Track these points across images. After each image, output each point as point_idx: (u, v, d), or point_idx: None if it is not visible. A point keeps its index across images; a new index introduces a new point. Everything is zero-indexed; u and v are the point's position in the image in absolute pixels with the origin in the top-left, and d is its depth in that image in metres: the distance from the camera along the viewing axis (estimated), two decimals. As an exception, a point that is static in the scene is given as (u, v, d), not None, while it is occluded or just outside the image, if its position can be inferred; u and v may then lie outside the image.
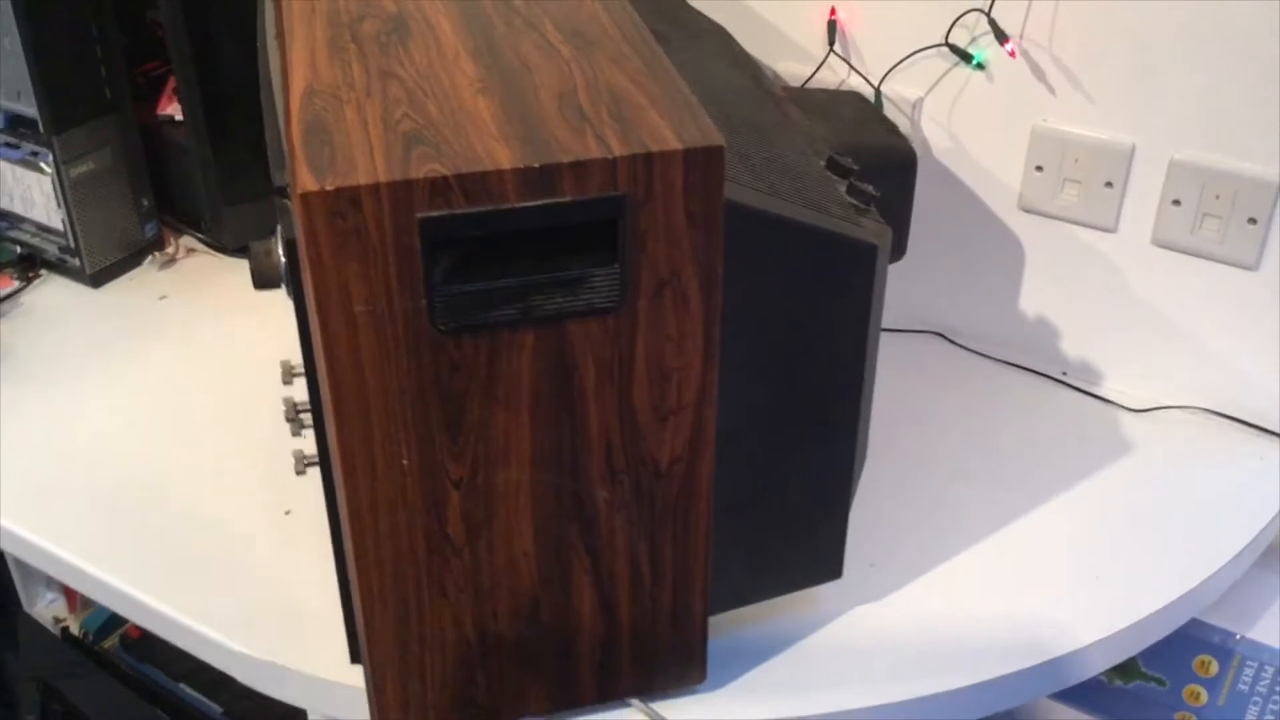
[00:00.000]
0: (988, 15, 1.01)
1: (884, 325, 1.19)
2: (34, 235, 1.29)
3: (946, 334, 1.18)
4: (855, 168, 0.82)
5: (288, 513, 0.99)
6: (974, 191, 1.11)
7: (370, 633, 0.75)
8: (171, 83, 1.27)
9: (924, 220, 1.14)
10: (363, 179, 0.61)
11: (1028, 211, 1.09)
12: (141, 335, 1.21)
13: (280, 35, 0.76)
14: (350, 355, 0.65)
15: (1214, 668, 1.02)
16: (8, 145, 1.24)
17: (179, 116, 1.26)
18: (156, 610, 0.93)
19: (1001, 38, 1.01)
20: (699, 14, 1.05)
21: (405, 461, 0.69)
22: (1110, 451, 1.05)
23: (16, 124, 1.23)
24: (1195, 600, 0.93)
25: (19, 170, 1.25)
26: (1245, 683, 1.01)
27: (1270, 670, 1.00)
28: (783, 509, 0.82)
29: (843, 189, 0.80)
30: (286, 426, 0.83)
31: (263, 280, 0.69)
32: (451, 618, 0.75)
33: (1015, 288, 1.14)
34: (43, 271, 1.30)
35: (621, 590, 0.77)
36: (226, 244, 1.30)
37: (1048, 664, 0.87)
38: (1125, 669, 1.05)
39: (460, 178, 0.62)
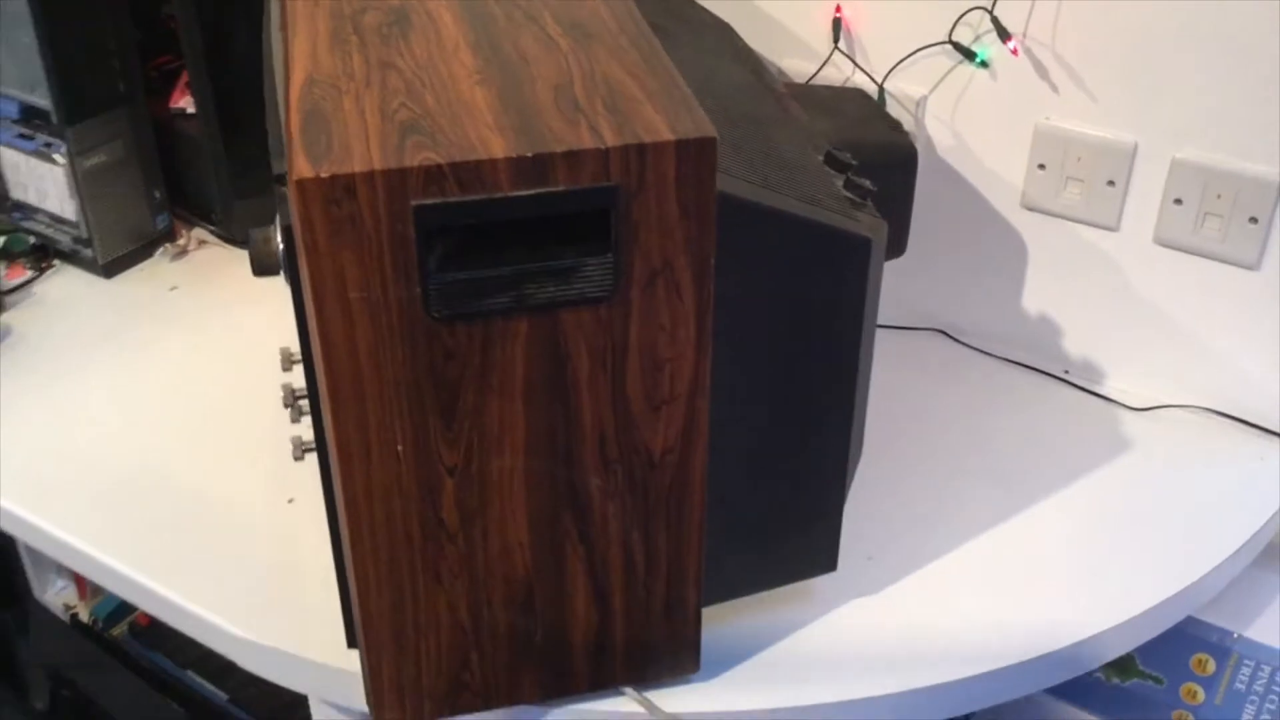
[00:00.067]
0: (990, 13, 1.01)
1: (887, 322, 1.21)
2: (48, 226, 1.30)
3: (949, 331, 1.19)
4: (853, 162, 0.82)
5: (291, 501, 1.00)
6: (977, 189, 1.12)
7: (366, 618, 0.76)
8: (184, 76, 1.28)
9: (928, 217, 1.15)
10: (358, 166, 0.62)
11: (1030, 210, 1.10)
12: (152, 325, 1.22)
13: (284, 27, 0.77)
14: (346, 342, 0.66)
15: (1211, 666, 1.02)
16: (22, 137, 1.26)
17: (191, 110, 1.27)
18: (160, 595, 0.94)
19: (1004, 36, 1.01)
20: (703, 10, 1.05)
21: (400, 448, 0.70)
22: (1110, 450, 1.05)
23: (31, 116, 1.24)
24: (1191, 598, 0.94)
25: (33, 161, 1.26)
26: (1242, 681, 1.01)
27: (1267, 669, 1.00)
28: (777, 501, 0.83)
29: (840, 183, 0.81)
30: (299, 422, 0.84)
31: (262, 267, 0.70)
32: (446, 604, 0.76)
33: (1018, 286, 1.14)
34: (56, 262, 1.32)
35: (615, 579, 0.78)
36: (237, 236, 1.32)
37: (1042, 658, 0.88)
38: (1123, 667, 1.05)
39: (454, 166, 0.62)
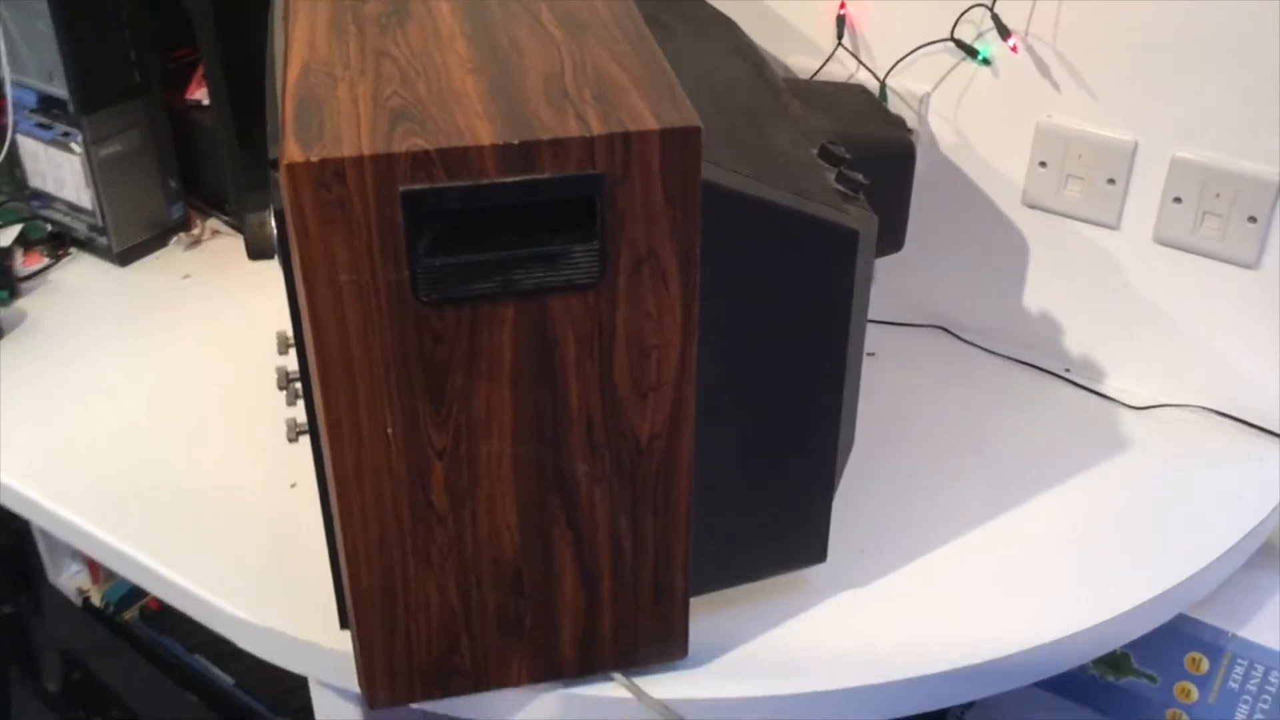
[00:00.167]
0: (991, 11, 1.02)
1: (889, 318, 1.21)
2: (65, 214, 1.32)
3: (951, 329, 1.19)
4: (847, 156, 0.83)
5: (294, 485, 1.02)
6: (979, 186, 1.12)
7: (356, 598, 0.77)
8: (201, 68, 1.30)
9: (930, 214, 1.15)
10: (347, 151, 0.63)
11: (1032, 207, 1.10)
12: (164, 313, 1.24)
13: (286, 17, 0.78)
14: (336, 324, 0.67)
15: (1205, 665, 1.02)
16: (40, 126, 1.28)
17: (207, 101, 1.29)
18: (164, 576, 0.95)
19: (1004, 33, 1.02)
20: (709, 6, 1.06)
21: (390, 430, 0.71)
22: (1108, 448, 1.06)
23: (49, 105, 1.26)
24: (1183, 595, 0.94)
25: (51, 150, 1.28)
26: (1236, 680, 1.01)
27: (1261, 669, 1.00)
28: (765, 491, 0.84)
29: (832, 177, 0.81)
30: (295, 404, 0.86)
31: (257, 251, 0.71)
32: (436, 585, 0.77)
33: (1020, 283, 1.14)
34: (72, 250, 1.34)
35: (603, 563, 0.79)
36: (249, 226, 1.33)
37: (1031, 652, 0.88)
38: (1118, 665, 1.06)
39: (441, 152, 0.64)
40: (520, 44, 0.74)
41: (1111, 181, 1.04)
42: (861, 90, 1.06)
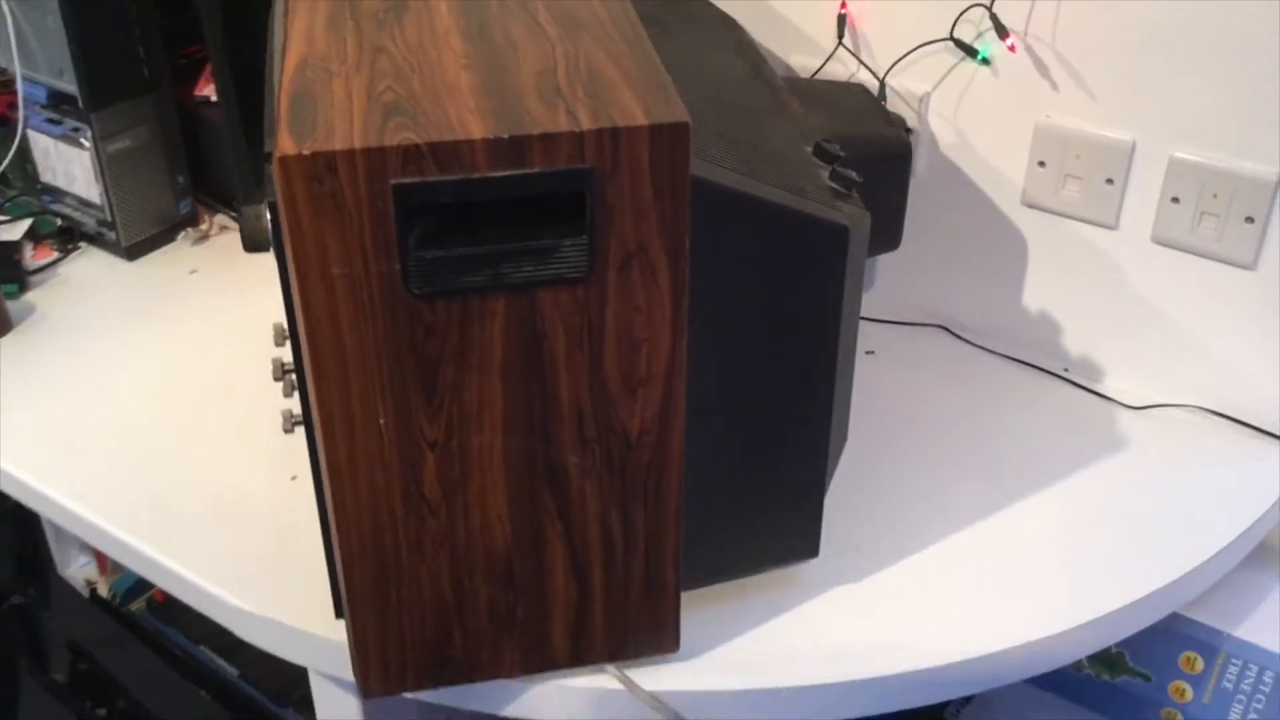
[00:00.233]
0: (990, 10, 1.02)
1: (890, 317, 1.22)
2: (74, 208, 1.34)
3: (952, 328, 1.20)
4: (841, 154, 0.84)
5: (294, 478, 1.03)
6: (979, 186, 1.12)
7: (350, 588, 0.78)
8: (210, 64, 1.31)
9: (931, 213, 1.16)
10: (339, 145, 0.64)
11: (1031, 207, 1.10)
12: (170, 307, 1.25)
13: (286, 14, 0.79)
14: (328, 316, 0.68)
15: (1199, 664, 1.02)
16: (50, 121, 1.29)
17: (216, 97, 1.30)
18: (166, 566, 0.96)
19: (1002, 33, 1.02)
20: (710, 6, 1.07)
21: (382, 421, 0.72)
22: (1105, 448, 1.06)
23: (59, 101, 1.28)
24: (1177, 594, 0.94)
25: (61, 145, 1.30)
26: (1230, 680, 1.01)
27: (1255, 669, 1.00)
28: (757, 486, 0.84)
29: (825, 174, 0.82)
30: (292, 395, 0.87)
31: (252, 243, 0.73)
32: (428, 576, 0.78)
33: (1019, 283, 1.15)
34: (81, 244, 1.35)
35: (594, 556, 0.79)
36: (256, 222, 1.35)
37: (1023, 648, 0.88)
38: (1113, 664, 1.06)
39: (432, 146, 0.64)
40: (516, 41, 0.74)
41: (1110, 181, 1.04)
42: (861, 89, 1.07)
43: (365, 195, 0.65)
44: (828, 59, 1.13)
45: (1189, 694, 1.03)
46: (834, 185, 0.81)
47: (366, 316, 0.68)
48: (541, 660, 0.83)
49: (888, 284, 1.22)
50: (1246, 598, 1.03)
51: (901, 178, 0.98)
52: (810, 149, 0.85)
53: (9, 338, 1.20)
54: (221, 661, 1.35)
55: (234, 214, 1.38)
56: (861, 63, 1.12)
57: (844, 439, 0.91)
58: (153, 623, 1.44)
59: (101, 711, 1.45)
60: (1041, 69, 1.04)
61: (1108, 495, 1.01)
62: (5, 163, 1.32)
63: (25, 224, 1.33)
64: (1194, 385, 1.08)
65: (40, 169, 1.35)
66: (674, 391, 0.74)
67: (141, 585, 1.47)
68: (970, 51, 1.06)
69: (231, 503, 1.01)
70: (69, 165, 1.31)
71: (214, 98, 1.32)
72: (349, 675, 0.85)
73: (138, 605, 1.46)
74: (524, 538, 0.78)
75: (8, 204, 1.38)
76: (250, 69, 1.25)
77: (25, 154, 1.34)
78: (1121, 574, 0.93)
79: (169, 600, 1.42)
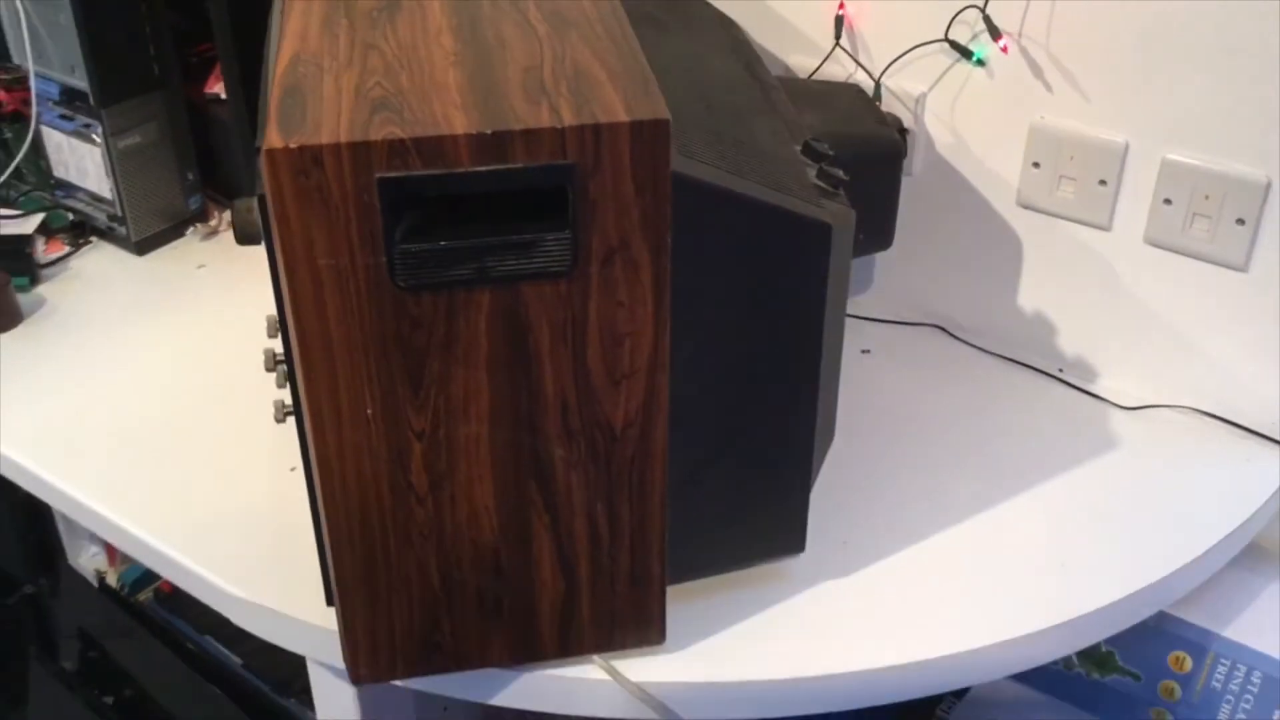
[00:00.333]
0: (983, 11, 1.03)
1: (887, 317, 1.22)
2: (86, 203, 1.36)
3: (948, 328, 1.20)
4: (829, 153, 0.85)
5: (293, 469, 1.04)
6: (975, 186, 1.13)
7: (340, 576, 0.79)
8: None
9: (927, 213, 1.16)
10: (325, 139, 0.65)
11: (1026, 208, 1.11)
12: (179, 301, 1.27)
13: (283, 12, 0.81)
14: (315, 307, 0.69)
15: (1188, 664, 1.02)
16: (63, 117, 1.31)
17: (225, 95, 1.32)
18: (168, 555, 0.98)
19: (995, 34, 1.03)
20: (708, 5, 1.08)
21: (369, 411, 0.73)
22: (1097, 448, 1.06)
23: (71, 97, 1.30)
24: (1162, 593, 0.94)
25: (73, 141, 1.32)
26: (1218, 680, 1.01)
27: (1243, 669, 1.00)
28: (743, 481, 0.85)
29: (812, 173, 0.83)
30: (286, 386, 0.88)
31: (244, 236, 0.74)
32: (416, 565, 0.79)
33: (1014, 283, 1.15)
34: (92, 239, 1.37)
35: (580, 548, 0.81)
36: (263, 218, 1.36)
37: (1008, 644, 0.89)
38: (1102, 663, 1.06)
39: (417, 140, 0.66)
40: (505, 39, 0.75)
41: (1103, 183, 1.05)
42: (855, 89, 1.08)
43: (351, 189, 0.66)
44: (825, 59, 1.14)
45: (1178, 693, 1.03)
46: (820, 184, 0.82)
47: (353, 308, 0.70)
48: (529, 651, 0.85)
49: (884, 284, 1.23)
50: (1236, 598, 1.03)
51: (893, 178, 0.99)
52: (799, 148, 0.86)
53: (19, 330, 1.23)
54: (226, 651, 1.37)
55: (242, 210, 1.39)
56: (858, 63, 1.13)
57: (831, 436, 0.92)
58: (160, 613, 1.45)
59: (109, 699, 1.47)
60: (1036, 70, 1.05)
61: (1099, 494, 1.01)
62: (19, 158, 1.35)
63: (38, 218, 1.35)
64: (1186, 386, 1.09)
65: (54, 164, 1.37)
66: (657, 385, 0.75)
67: (149, 576, 1.49)
68: (965, 53, 1.07)
69: (234, 493, 1.02)
70: (81, 160, 1.33)
71: (224, 95, 1.34)
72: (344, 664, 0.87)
73: (146, 595, 1.48)
74: (511, 529, 0.79)
75: (21, 198, 1.40)
76: (257, 67, 1.26)
77: (40, 149, 1.36)
78: (1110, 572, 0.94)
79: (176, 591, 1.44)
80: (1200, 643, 1.01)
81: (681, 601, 0.89)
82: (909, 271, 1.21)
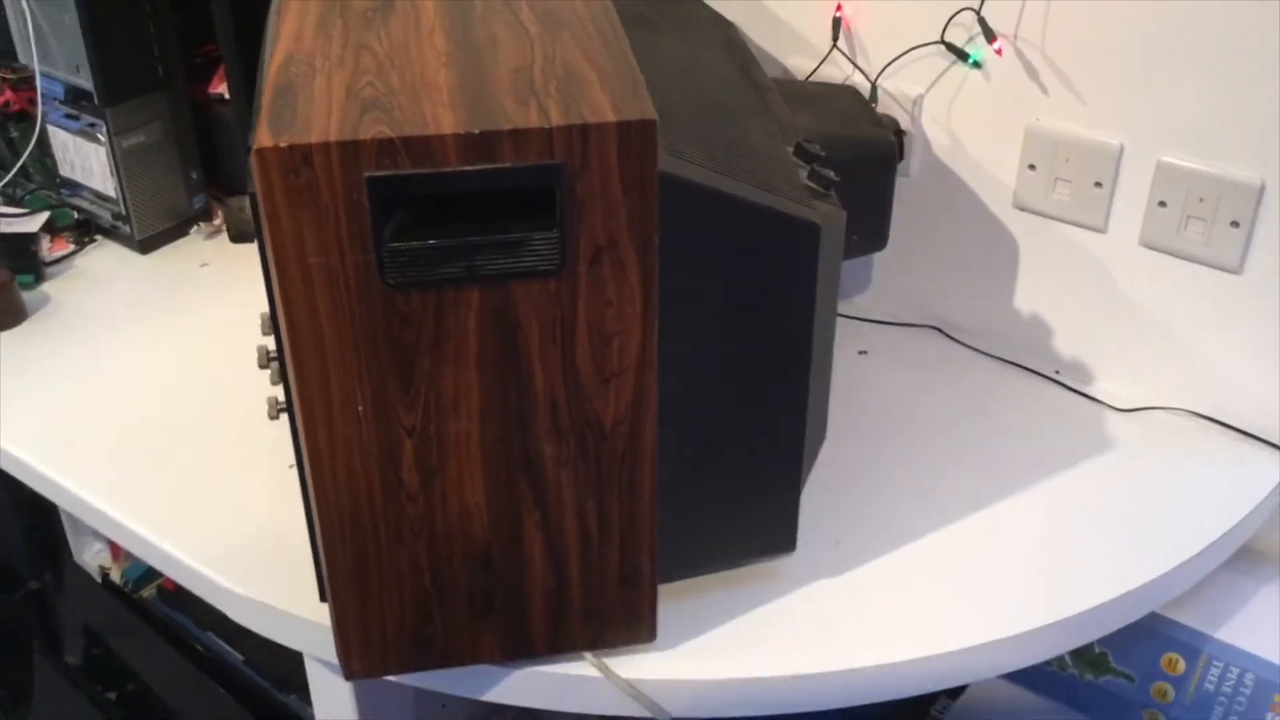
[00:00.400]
0: (978, 14, 1.03)
1: (884, 318, 1.23)
2: (91, 202, 1.37)
3: (945, 329, 1.20)
4: (821, 154, 0.85)
5: (291, 465, 1.05)
6: (971, 188, 1.13)
7: (332, 572, 0.80)
8: (224, 62, 1.34)
9: (924, 215, 1.17)
10: (315, 138, 0.66)
11: (1022, 210, 1.11)
12: (182, 299, 1.28)
13: (280, 12, 0.81)
14: (306, 305, 0.70)
15: (1181, 666, 1.02)
16: (69, 116, 1.33)
17: (228, 94, 1.33)
18: (167, 551, 0.99)
19: (990, 36, 1.03)
20: (704, 6, 1.08)
21: (360, 408, 0.74)
22: (1092, 450, 1.06)
23: (76, 96, 1.31)
24: (1156, 593, 0.95)
25: (79, 140, 1.33)
26: (1211, 682, 1.01)
27: (1236, 671, 1.00)
28: (733, 481, 0.85)
29: (804, 174, 0.83)
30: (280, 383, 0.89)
31: (238, 234, 0.75)
32: (408, 561, 0.80)
33: (1011, 285, 1.15)
34: (97, 237, 1.38)
35: (570, 545, 0.81)
36: (267, 217, 1.37)
37: (999, 643, 0.89)
38: (1096, 664, 1.07)
39: (405, 140, 0.66)
40: (497, 39, 0.76)
41: (1099, 185, 1.05)
42: (850, 91, 1.08)
43: (340, 187, 0.67)
44: (822, 61, 1.14)
45: (1171, 695, 1.04)
46: (811, 184, 0.82)
47: (343, 306, 0.70)
48: (520, 647, 0.85)
49: (881, 285, 1.23)
50: (1229, 600, 1.04)
51: (887, 178, 0.99)
52: (791, 149, 0.86)
53: (24, 327, 1.24)
54: (228, 648, 1.38)
55: (246, 209, 1.40)
56: (855, 65, 1.13)
57: (823, 435, 0.92)
58: (163, 609, 1.46)
59: (112, 695, 1.48)
60: (1031, 72, 1.05)
61: (1094, 496, 1.02)
62: (25, 156, 1.36)
63: (43, 216, 1.36)
64: (1181, 389, 1.09)
65: (59, 163, 1.38)
66: (646, 384, 0.76)
67: (153, 572, 1.49)
68: (961, 55, 1.07)
69: (234, 490, 1.03)
70: (86, 159, 1.34)
71: (227, 95, 1.35)
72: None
73: (149, 592, 1.49)
74: (501, 526, 0.80)
75: (27, 197, 1.41)
76: (256, 65, 1.27)
77: (45, 148, 1.37)
78: (1102, 572, 0.94)
79: (179, 588, 1.45)
80: (1194, 644, 1.01)
81: (673, 600, 0.90)
82: (906, 273, 1.21)
